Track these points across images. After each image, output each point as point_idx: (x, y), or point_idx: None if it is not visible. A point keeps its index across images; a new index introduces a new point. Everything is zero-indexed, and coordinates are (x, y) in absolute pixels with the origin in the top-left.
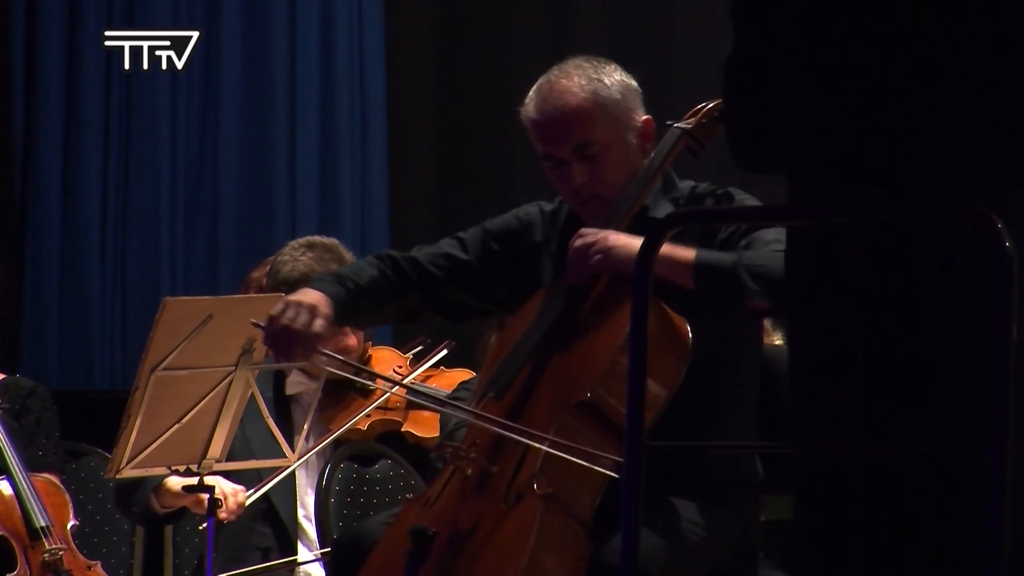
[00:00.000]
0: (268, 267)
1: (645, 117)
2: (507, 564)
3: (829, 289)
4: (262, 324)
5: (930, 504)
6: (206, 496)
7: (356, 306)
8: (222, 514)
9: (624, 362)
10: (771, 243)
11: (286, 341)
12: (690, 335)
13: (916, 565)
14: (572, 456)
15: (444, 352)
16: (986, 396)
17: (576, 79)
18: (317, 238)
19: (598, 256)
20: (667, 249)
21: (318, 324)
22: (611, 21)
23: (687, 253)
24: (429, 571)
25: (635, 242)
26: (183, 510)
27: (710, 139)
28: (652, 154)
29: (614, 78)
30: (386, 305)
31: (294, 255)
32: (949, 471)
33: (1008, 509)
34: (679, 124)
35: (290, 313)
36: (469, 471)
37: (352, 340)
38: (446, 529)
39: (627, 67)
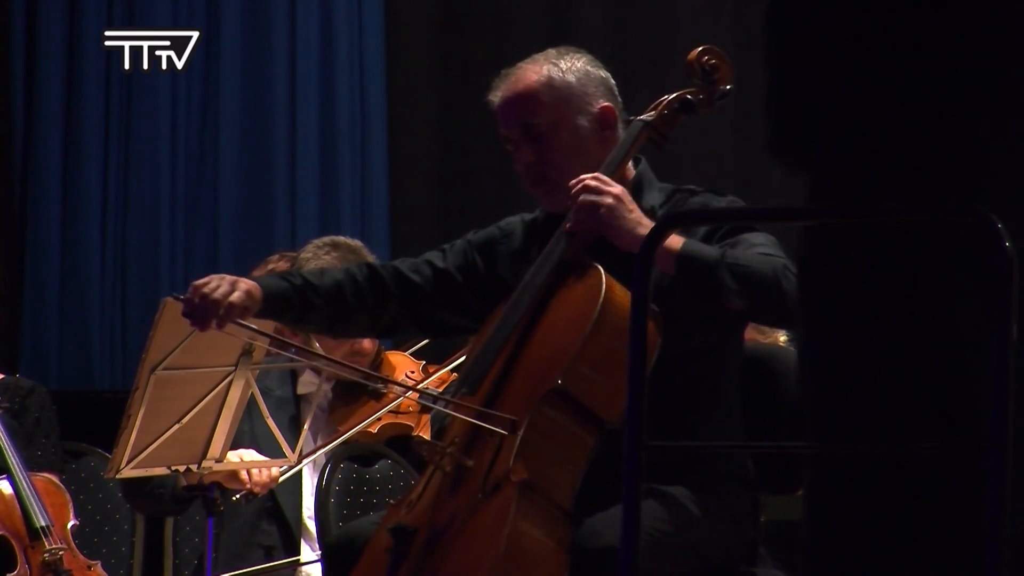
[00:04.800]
0: (269, 267)
1: (604, 104)
2: (484, 551)
3: (840, 290)
4: (182, 296)
5: (936, 503)
6: (244, 472)
7: (300, 303)
8: (256, 488)
9: (591, 347)
10: (757, 246)
11: (201, 309)
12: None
13: (922, 565)
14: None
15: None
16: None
17: (536, 65)
18: (342, 238)
19: (603, 211)
20: None
21: (236, 296)
22: (610, 21)
23: (675, 241)
24: (409, 567)
25: (641, 223)
26: (198, 494)
27: (672, 131)
28: (615, 148)
29: (574, 64)
30: (354, 313)
31: (317, 253)
32: (956, 471)
33: (1008, 509)
34: (640, 117)
35: (212, 283)
36: (448, 467)
37: (366, 343)
38: (426, 525)
39: (626, 65)
